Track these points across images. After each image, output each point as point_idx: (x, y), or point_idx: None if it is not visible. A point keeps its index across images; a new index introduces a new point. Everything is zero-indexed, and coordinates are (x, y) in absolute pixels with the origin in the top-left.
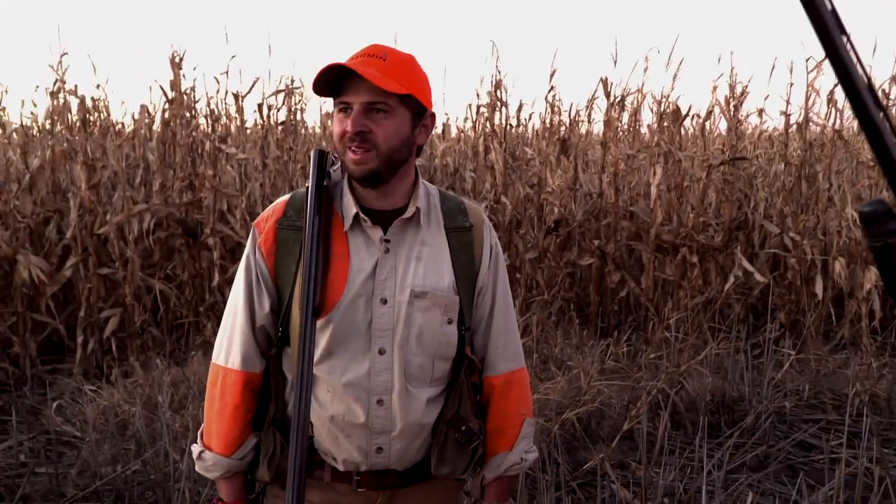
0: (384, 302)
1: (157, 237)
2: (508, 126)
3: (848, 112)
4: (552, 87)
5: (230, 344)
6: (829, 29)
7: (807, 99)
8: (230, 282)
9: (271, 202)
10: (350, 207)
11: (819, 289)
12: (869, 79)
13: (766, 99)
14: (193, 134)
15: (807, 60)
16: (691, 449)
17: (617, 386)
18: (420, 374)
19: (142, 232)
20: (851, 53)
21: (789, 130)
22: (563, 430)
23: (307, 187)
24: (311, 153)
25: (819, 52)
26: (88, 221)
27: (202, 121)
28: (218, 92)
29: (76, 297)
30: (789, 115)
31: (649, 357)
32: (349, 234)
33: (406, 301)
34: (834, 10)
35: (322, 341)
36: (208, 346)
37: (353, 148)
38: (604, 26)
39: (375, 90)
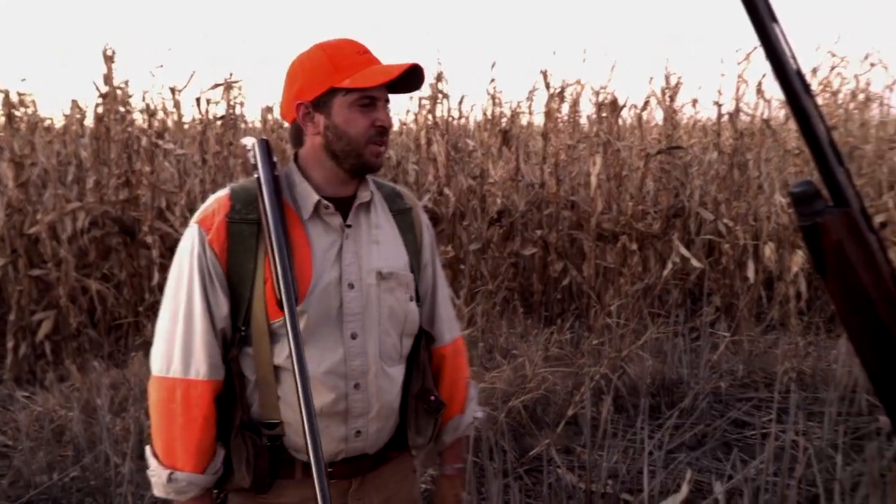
0: (351, 287)
1: (92, 236)
2: (450, 118)
3: (776, 102)
4: (493, 79)
5: (188, 353)
6: (762, 16)
7: (737, 90)
8: None
9: None
10: (309, 196)
11: (751, 273)
12: (798, 66)
13: (699, 89)
14: (129, 129)
15: (736, 52)
16: (633, 431)
17: (561, 373)
18: (393, 353)
19: (76, 231)
20: (783, 41)
21: (721, 120)
22: (510, 418)
23: (256, 178)
24: (255, 143)
25: (748, 43)
26: (17, 221)
27: (137, 116)
28: (153, 86)
29: (6, 300)
30: (721, 105)
31: (592, 343)
32: (308, 223)
33: (373, 284)
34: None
35: None
36: (149, 347)
37: (379, 141)
38: (544, 18)
39: (385, 88)
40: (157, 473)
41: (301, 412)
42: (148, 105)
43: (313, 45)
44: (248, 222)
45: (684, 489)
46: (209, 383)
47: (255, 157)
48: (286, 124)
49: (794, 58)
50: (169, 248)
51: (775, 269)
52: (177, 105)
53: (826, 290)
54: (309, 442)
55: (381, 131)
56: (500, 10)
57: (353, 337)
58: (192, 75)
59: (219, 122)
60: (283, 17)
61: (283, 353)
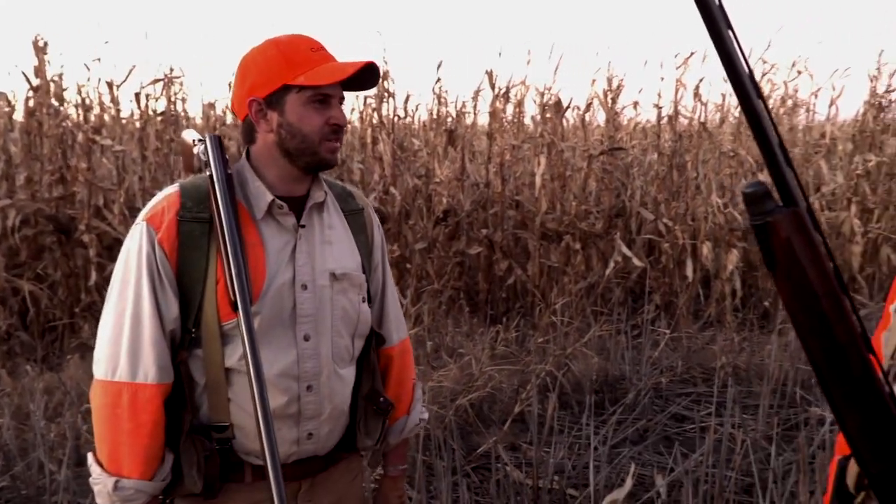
0: (305, 287)
1: (23, 235)
2: (396, 117)
3: (712, 105)
4: (439, 79)
5: (135, 355)
6: (717, 23)
7: (676, 93)
8: (108, 280)
9: (152, 196)
10: (262, 195)
11: (689, 271)
12: (751, 70)
13: (640, 92)
14: (63, 124)
15: (675, 56)
16: (578, 427)
17: (507, 371)
18: (345, 355)
19: (6, 229)
20: (737, 47)
21: (661, 122)
22: (457, 416)
23: (209, 176)
24: (207, 139)
25: (686, 49)
26: None
27: (72, 110)
28: (89, 80)
29: None
30: (661, 108)
31: (537, 342)
32: (261, 222)
33: (326, 284)
34: (721, 6)
35: None
36: (85, 349)
37: (334, 139)
38: (489, 19)
39: (340, 85)
40: (101, 481)
41: (256, 415)
42: (84, 99)
43: (266, 41)
44: (199, 221)
45: (628, 483)
46: (158, 387)
47: (205, 153)
48: (229, 121)
49: (747, 63)
50: (107, 247)
51: (712, 267)
52: (114, 100)
53: (775, 285)
54: (265, 445)
55: (336, 129)
56: (447, 9)
57: (306, 339)
58: (131, 69)
59: (159, 119)
60: (226, 15)
61: (234, 354)
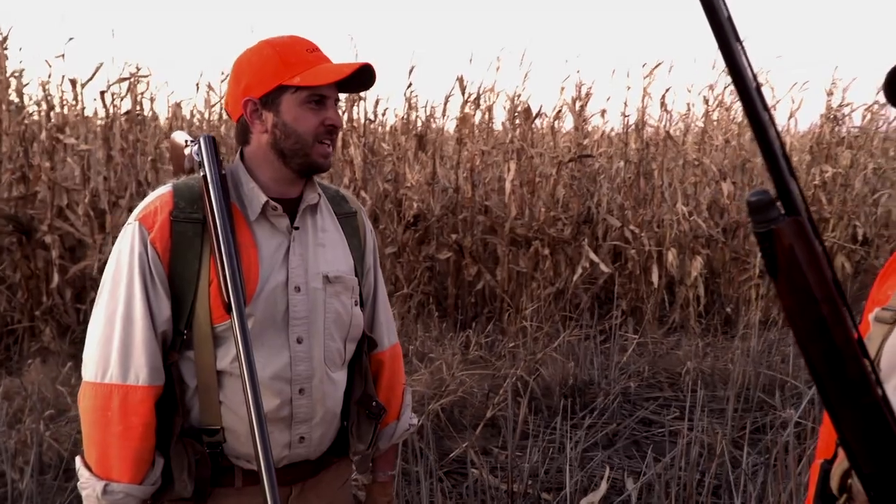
0: (298, 290)
1: None
2: (368, 121)
3: (676, 115)
4: (411, 83)
5: (127, 357)
6: (727, 36)
7: (643, 102)
8: (71, 283)
9: (118, 197)
10: (257, 197)
11: (655, 277)
12: (758, 81)
13: (608, 100)
14: (25, 122)
15: (642, 67)
16: (549, 431)
17: (478, 375)
18: (337, 359)
19: None
20: (744, 59)
21: (628, 130)
22: (429, 421)
23: (203, 176)
24: (201, 140)
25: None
26: None
27: (34, 108)
28: (50, 76)
29: None
30: (627, 116)
31: (507, 346)
32: (254, 224)
33: (320, 287)
34: (730, 19)
35: None
36: (47, 353)
37: (328, 141)
38: (461, 26)
39: (335, 87)
40: (89, 485)
41: (250, 418)
42: (47, 97)
43: (261, 41)
44: (192, 221)
45: (603, 486)
46: (149, 389)
47: (198, 153)
48: (196, 122)
49: (753, 74)
50: (69, 249)
51: (677, 274)
52: (77, 98)
53: (776, 289)
54: (259, 448)
55: (331, 130)
56: (419, 14)
57: (299, 341)
58: (98, 67)
59: (124, 118)
60: (195, 14)
61: (227, 357)
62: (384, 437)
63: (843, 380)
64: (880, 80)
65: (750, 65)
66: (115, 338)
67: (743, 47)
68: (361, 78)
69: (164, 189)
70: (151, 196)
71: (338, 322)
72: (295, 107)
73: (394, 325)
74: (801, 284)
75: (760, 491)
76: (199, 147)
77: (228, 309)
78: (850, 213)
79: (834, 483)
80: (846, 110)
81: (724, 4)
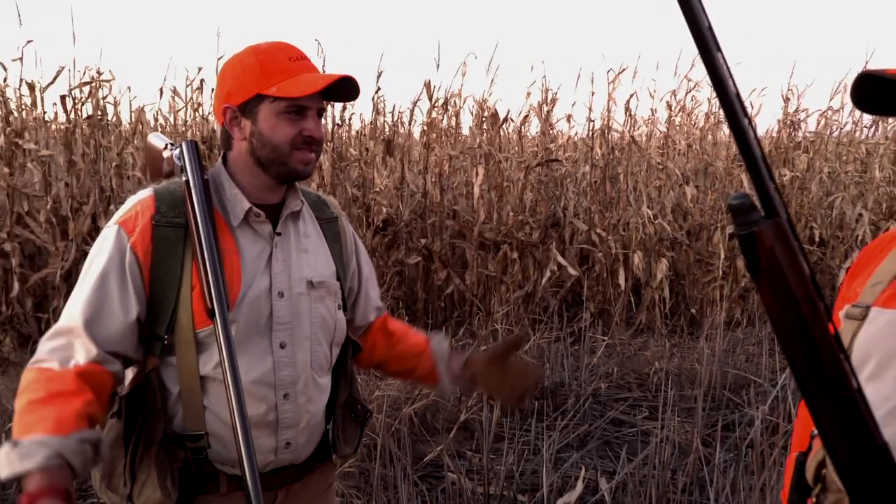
0: (281, 295)
1: None
2: (336, 126)
3: (640, 120)
4: (379, 88)
5: (70, 347)
6: (708, 45)
7: (608, 107)
8: (32, 291)
9: (81, 203)
10: (239, 202)
11: (622, 280)
12: (737, 89)
13: (573, 105)
14: None
15: (607, 72)
16: (522, 433)
17: None
18: (324, 363)
19: None
20: (725, 68)
21: (593, 135)
22: (403, 426)
23: (185, 181)
24: (183, 145)
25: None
26: None
27: None
28: (6, 80)
29: None
30: (593, 121)
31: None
32: (237, 229)
33: (303, 292)
34: (711, 29)
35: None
36: (8, 364)
37: (307, 149)
38: (427, 30)
39: (318, 97)
40: (2, 453)
41: (234, 423)
42: (5, 101)
43: (247, 47)
44: (174, 226)
45: (579, 486)
46: (82, 366)
47: (180, 157)
48: (165, 125)
49: (734, 83)
50: (29, 257)
51: (643, 276)
52: (35, 103)
53: (758, 290)
54: (244, 453)
55: (309, 140)
56: (386, 19)
57: (283, 346)
58: (59, 71)
59: (86, 124)
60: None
61: (210, 362)
62: (438, 353)
63: (822, 375)
64: (833, 85)
65: (730, 73)
66: (79, 319)
67: (724, 56)
68: (345, 89)
69: (145, 193)
70: (132, 200)
71: (324, 327)
72: (272, 116)
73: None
74: (781, 284)
75: (732, 486)
76: (182, 151)
77: (211, 314)
78: (807, 216)
79: (809, 474)
80: (802, 115)
81: (705, 14)
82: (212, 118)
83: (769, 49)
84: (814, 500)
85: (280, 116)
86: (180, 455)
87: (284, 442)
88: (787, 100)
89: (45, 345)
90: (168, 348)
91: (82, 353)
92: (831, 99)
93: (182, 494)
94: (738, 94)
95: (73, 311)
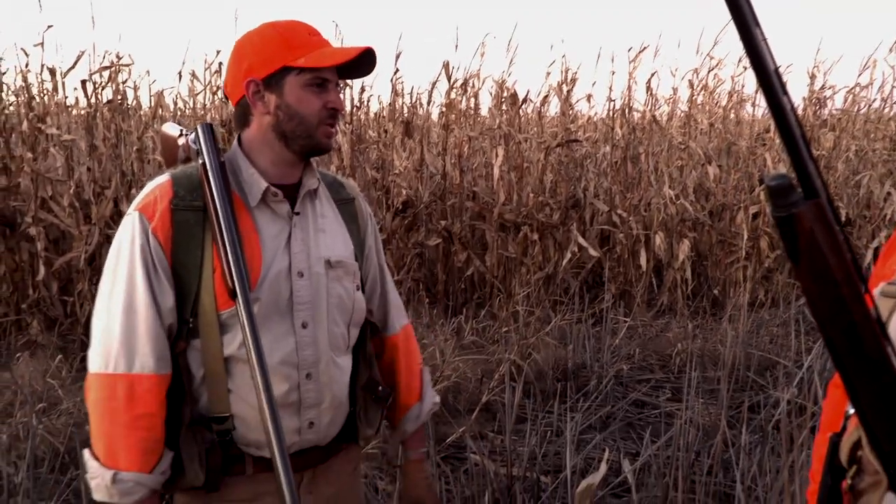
0: (301, 275)
1: None
2: (355, 108)
3: (662, 99)
4: (397, 70)
5: (131, 347)
6: (746, 20)
7: (628, 86)
8: (57, 275)
9: (103, 188)
10: (256, 183)
11: (643, 261)
12: (776, 66)
13: (593, 85)
14: (5, 112)
15: (628, 51)
16: (544, 415)
17: (471, 361)
18: (341, 343)
19: None
20: (763, 44)
21: (614, 115)
22: None
23: (201, 164)
24: (199, 128)
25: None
26: None
27: (12, 98)
28: (28, 65)
29: None
30: (613, 100)
31: (500, 332)
32: (255, 210)
33: (322, 272)
34: (749, 4)
35: None
36: (36, 346)
37: (331, 123)
38: (446, 10)
39: (336, 70)
40: (98, 475)
41: (260, 404)
42: (28, 86)
43: (263, 24)
44: (193, 209)
45: (603, 467)
46: (156, 377)
47: (196, 142)
48: (185, 108)
49: (773, 59)
50: (54, 241)
51: (665, 257)
52: (56, 88)
53: (796, 274)
54: (272, 433)
55: (333, 113)
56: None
57: (304, 326)
58: (79, 56)
59: (106, 108)
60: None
61: (233, 343)
62: (410, 420)
63: (864, 359)
64: (861, 60)
65: (769, 49)
66: (118, 328)
67: (762, 31)
68: (361, 64)
69: (163, 178)
70: (150, 185)
71: (340, 307)
72: (298, 88)
73: (402, 307)
74: (821, 267)
75: (757, 467)
76: (197, 135)
77: (233, 295)
78: (834, 195)
79: (843, 455)
80: (828, 93)
81: None
82: None
83: (794, 25)
84: (849, 481)
85: (305, 89)
86: (207, 437)
87: (308, 422)
88: (812, 77)
89: (105, 349)
90: (193, 331)
91: (147, 359)
92: (860, 75)
93: (210, 476)
94: (776, 71)
95: (115, 311)
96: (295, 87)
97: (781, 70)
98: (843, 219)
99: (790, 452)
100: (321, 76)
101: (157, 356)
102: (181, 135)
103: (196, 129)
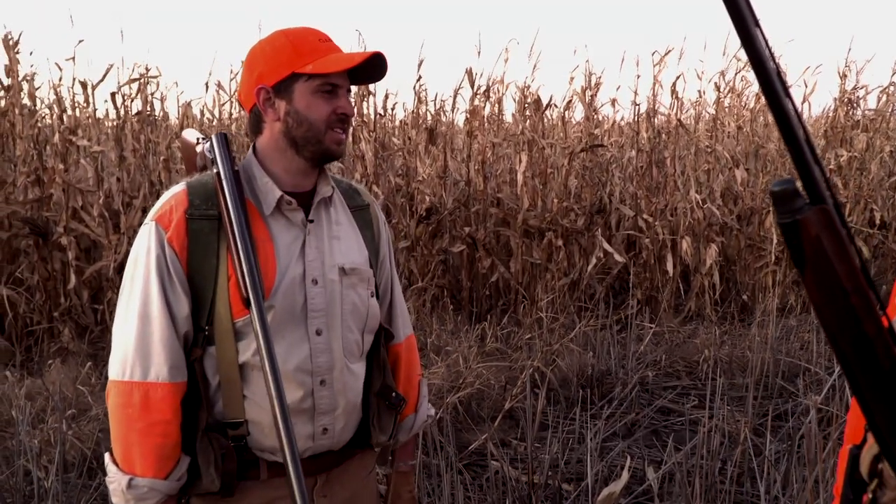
0: (315, 282)
1: None
2: (379, 115)
3: (688, 103)
4: (420, 77)
5: (147, 355)
6: (746, 22)
7: (653, 90)
8: (88, 283)
9: (132, 197)
10: (271, 191)
11: (670, 266)
12: (779, 68)
13: (618, 90)
14: (38, 125)
15: (652, 55)
16: (567, 422)
17: (495, 367)
18: (355, 350)
19: None
20: (764, 45)
21: (639, 119)
22: (447, 414)
23: (216, 173)
24: (213, 137)
25: (662, 46)
26: None
27: (46, 111)
28: (61, 79)
29: None
30: (638, 104)
31: (523, 338)
32: (269, 218)
33: (336, 279)
34: (749, 4)
35: None
36: (67, 354)
37: (341, 129)
38: (468, 18)
39: (347, 76)
40: (115, 479)
41: (273, 410)
42: (60, 99)
43: (274, 31)
44: (208, 218)
45: (625, 475)
46: (171, 386)
47: (210, 150)
48: (212, 119)
49: (774, 61)
50: (85, 250)
51: (692, 262)
52: (88, 100)
53: (804, 281)
54: (284, 439)
55: (343, 118)
56: (427, 9)
57: (318, 333)
58: (108, 69)
59: (135, 119)
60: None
61: (248, 351)
62: (403, 430)
63: (876, 371)
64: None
65: (770, 50)
66: (134, 336)
67: (762, 32)
68: (372, 69)
69: (178, 188)
70: (166, 195)
71: (355, 313)
72: (307, 94)
73: (408, 316)
74: (829, 276)
75: (784, 478)
76: (212, 144)
77: (248, 303)
78: (867, 198)
79: (864, 468)
80: (861, 93)
81: None
82: None
83: (824, 24)
84: (870, 496)
85: (315, 95)
86: (223, 443)
87: (321, 428)
88: (843, 76)
89: (122, 357)
90: (208, 339)
91: (161, 368)
92: (893, 74)
93: (225, 481)
94: (778, 72)
95: (131, 320)
96: (304, 93)
97: (813, 70)
98: (878, 222)
99: (817, 463)
100: (330, 82)
101: (171, 364)
102: (198, 142)
103: (211, 137)
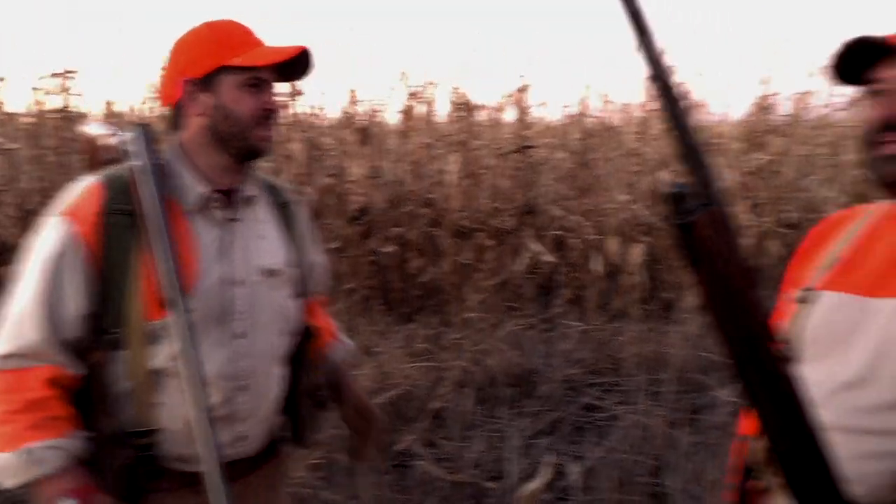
0: (237, 284)
1: None
2: (311, 115)
3: (615, 106)
4: (353, 77)
5: (20, 340)
6: (645, 30)
7: (583, 93)
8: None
9: (48, 196)
10: (194, 187)
11: (597, 265)
12: (670, 72)
13: (549, 93)
14: None
15: (586, 57)
16: (493, 421)
17: (423, 368)
18: (276, 353)
19: None
20: (656, 50)
21: (569, 121)
22: None
23: (134, 166)
24: (137, 129)
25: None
26: None
27: None
28: None
29: None
30: (568, 107)
31: (452, 338)
32: (192, 216)
33: (260, 280)
34: (643, 12)
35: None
36: None
37: (266, 125)
38: (407, 17)
39: (273, 71)
40: (2, 461)
41: (191, 418)
42: None
43: (199, 24)
44: (125, 214)
45: (542, 473)
46: (46, 368)
47: (131, 143)
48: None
49: (666, 66)
50: None
51: (619, 261)
52: None
53: (696, 279)
54: (207, 448)
55: (268, 115)
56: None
57: (241, 336)
58: (28, 63)
59: (57, 116)
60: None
61: (163, 355)
62: (339, 351)
63: (760, 364)
64: (809, 67)
65: (663, 55)
66: (15, 328)
67: (656, 39)
68: (299, 65)
69: (91, 180)
70: (77, 189)
71: (278, 316)
72: (234, 89)
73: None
74: (719, 274)
75: (699, 469)
76: (135, 136)
77: (166, 305)
78: (781, 199)
79: (755, 458)
80: (777, 98)
81: None
82: None
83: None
84: (759, 482)
85: (241, 89)
86: (128, 452)
87: (239, 434)
88: (764, 82)
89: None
90: (116, 342)
91: (42, 355)
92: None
93: (129, 492)
94: (670, 78)
95: (22, 311)
96: (231, 87)
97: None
98: (792, 222)
99: (727, 455)
100: (257, 76)
101: (55, 353)
102: (110, 135)
103: (132, 130)
